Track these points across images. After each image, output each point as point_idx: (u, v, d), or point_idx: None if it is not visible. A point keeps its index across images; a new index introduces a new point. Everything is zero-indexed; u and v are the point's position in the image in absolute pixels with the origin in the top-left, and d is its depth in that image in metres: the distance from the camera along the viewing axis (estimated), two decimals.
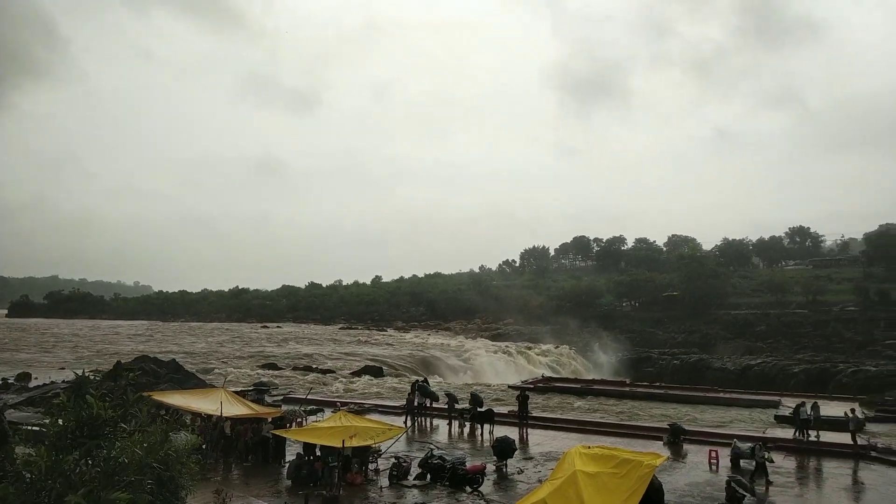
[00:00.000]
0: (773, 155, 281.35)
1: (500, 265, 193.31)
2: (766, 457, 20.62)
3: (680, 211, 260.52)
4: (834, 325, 76.75)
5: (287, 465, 20.55)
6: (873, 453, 24.25)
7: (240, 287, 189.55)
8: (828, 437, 26.25)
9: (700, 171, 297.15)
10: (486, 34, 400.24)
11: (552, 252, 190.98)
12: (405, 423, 28.49)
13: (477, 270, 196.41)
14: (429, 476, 19.79)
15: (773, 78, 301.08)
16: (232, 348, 72.87)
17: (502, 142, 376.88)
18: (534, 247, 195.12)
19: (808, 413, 26.62)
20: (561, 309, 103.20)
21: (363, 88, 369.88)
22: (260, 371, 51.71)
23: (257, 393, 31.98)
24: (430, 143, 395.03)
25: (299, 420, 26.02)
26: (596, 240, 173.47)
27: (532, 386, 43.99)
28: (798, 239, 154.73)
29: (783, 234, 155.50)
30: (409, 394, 31.91)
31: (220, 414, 21.95)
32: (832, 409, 31.43)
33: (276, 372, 51.72)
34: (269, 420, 23.22)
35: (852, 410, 27.13)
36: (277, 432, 21.70)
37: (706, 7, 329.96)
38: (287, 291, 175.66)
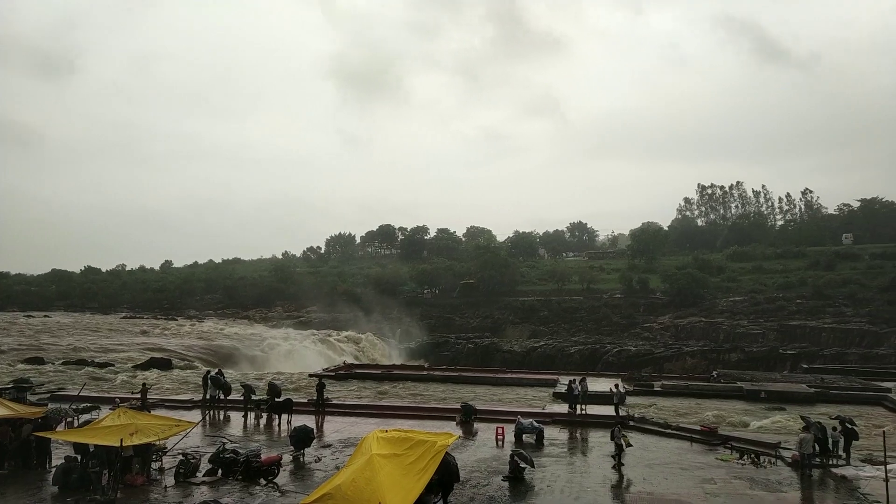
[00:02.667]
0: (546, 157, 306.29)
1: (304, 252, 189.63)
2: (625, 438, 21.50)
3: (477, 205, 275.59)
4: (604, 310, 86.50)
5: (53, 469, 18.38)
6: (631, 423, 27.81)
7: None
8: (596, 410, 29.60)
9: (486, 168, 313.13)
10: (262, 16, 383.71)
11: (358, 240, 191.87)
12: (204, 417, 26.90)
13: (280, 257, 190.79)
14: (220, 471, 18.90)
15: (531, 87, 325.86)
16: None
17: (289, 128, 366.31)
18: (339, 234, 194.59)
19: (578, 389, 29.80)
20: (365, 296, 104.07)
21: (126, 58, 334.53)
22: (22, 366, 45.49)
23: (17, 391, 28.12)
24: (214, 123, 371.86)
25: (69, 420, 23.40)
26: (401, 229, 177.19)
27: (333, 373, 43.90)
28: (577, 233, 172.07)
29: (565, 229, 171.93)
30: (202, 386, 30.18)
31: None
32: (601, 384, 35.46)
33: (42, 367, 45.87)
34: (32, 420, 20.53)
35: (616, 386, 30.81)
36: (40, 434, 19.29)
37: (465, 14, 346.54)
38: (57, 276, 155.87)
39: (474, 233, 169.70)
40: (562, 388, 33.86)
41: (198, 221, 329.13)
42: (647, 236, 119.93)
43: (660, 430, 26.66)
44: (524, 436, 24.34)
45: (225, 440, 22.21)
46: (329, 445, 23.33)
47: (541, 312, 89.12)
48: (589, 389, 30.54)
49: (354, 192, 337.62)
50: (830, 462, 21.32)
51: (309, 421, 26.11)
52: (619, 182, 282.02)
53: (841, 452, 21.82)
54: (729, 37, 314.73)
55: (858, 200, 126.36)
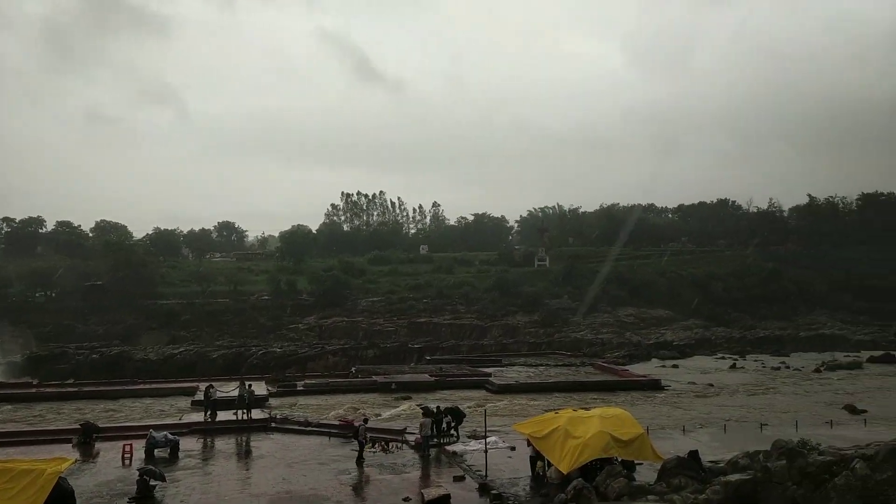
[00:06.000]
0: (180, 150, 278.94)
1: None
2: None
3: (108, 198, 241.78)
4: (251, 312, 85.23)
5: None
6: (273, 424, 27.94)
7: None
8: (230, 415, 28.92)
9: (104, 155, 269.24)
10: None
11: None
12: None
13: None
14: None
15: (138, 71, 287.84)
16: None
17: None
18: None
19: (214, 395, 28.89)
20: None
21: None
22: None
23: None
24: None
25: None
26: (6, 219, 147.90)
27: None
28: (225, 233, 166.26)
29: (213, 228, 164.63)
30: None
31: None
32: (261, 388, 34.73)
33: None
34: None
35: (249, 387, 30.39)
36: None
37: None
38: None
39: (105, 228, 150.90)
40: (201, 396, 32.26)
41: None
42: (296, 239, 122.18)
43: (301, 428, 27.36)
44: (157, 451, 22.58)
45: None
46: None
47: (183, 316, 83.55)
48: (223, 395, 29.74)
49: None
50: (444, 441, 24.57)
51: None
52: (268, 183, 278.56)
53: (453, 432, 25.33)
54: (331, 50, 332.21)
55: (473, 215, 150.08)
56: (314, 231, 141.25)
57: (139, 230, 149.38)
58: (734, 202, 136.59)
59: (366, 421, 24.14)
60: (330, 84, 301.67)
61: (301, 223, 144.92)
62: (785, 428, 26.11)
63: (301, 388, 39.55)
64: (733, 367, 51.17)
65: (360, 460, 21.79)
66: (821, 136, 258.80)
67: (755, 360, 55.04)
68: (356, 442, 22.31)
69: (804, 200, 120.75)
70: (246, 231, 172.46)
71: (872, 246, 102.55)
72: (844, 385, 41.15)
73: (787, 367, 49.98)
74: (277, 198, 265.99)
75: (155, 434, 23.00)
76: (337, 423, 27.79)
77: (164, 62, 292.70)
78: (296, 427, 27.50)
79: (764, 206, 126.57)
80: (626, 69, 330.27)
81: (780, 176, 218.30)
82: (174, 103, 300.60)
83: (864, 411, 30.75)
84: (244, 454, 23.64)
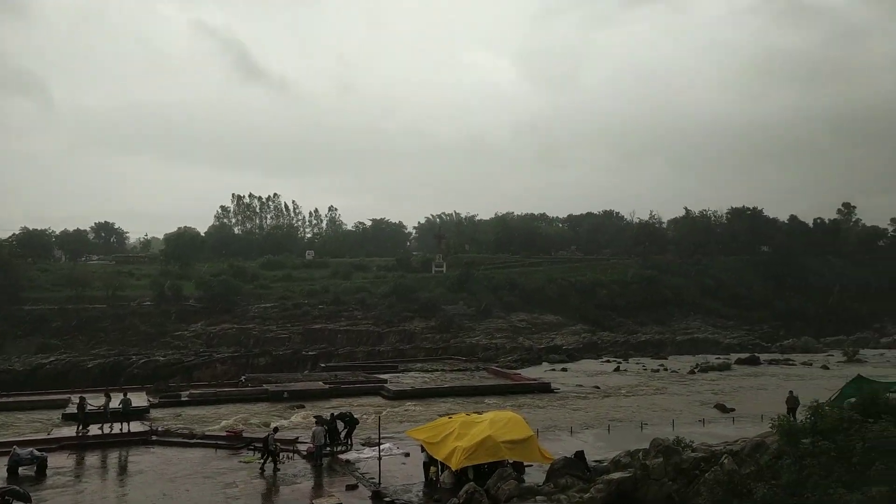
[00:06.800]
0: (45, 144, 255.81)
1: None
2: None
3: None
4: (131, 318, 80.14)
5: None
6: (154, 437, 26.40)
7: None
8: (114, 427, 27.11)
9: None
10: None
11: None
12: None
13: None
14: None
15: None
16: None
17: None
18: None
19: (88, 407, 27.03)
20: None
21: None
22: None
23: None
24: None
25: None
26: None
27: None
28: (104, 234, 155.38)
29: (89, 229, 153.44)
30: None
31: None
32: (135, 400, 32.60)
33: None
34: None
35: (125, 396, 28.54)
36: None
37: None
38: None
39: None
40: (74, 409, 29.98)
41: None
42: (183, 241, 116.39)
43: (184, 441, 26.02)
44: (21, 468, 20.74)
45: None
46: None
47: (53, 323, 77.38)
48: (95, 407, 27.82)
49: None
50: (337, 449, 24.18)
51: None
52: (150, 182, 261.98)
53: (346, 440, 24.99)
54: (209, 44, 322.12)
55: (371, 220, 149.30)
56: (202, 234, 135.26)
57: (3, 230, 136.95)
58: (618, 213, 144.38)
59: (275, 430, 23.48)
60: (209, 79, 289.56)
61: (189, 225, 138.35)
62: (663, 427, 27.74)
63: (186, 399, 37.63)
64: (617, 369, 53.77)
65: (275, 469, 21.26)
66: (693, 153, 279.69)
67: (637, 363, 58.13)
68: (258, 452, 21.82)
69: (682, 213, 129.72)
70: (127, 233, 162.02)
71: (740, 256, 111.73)
72: (715, 385, 44.31)
73: (666, 370, 53.11)
74: (161, 198, 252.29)
75: (19, 450, 21.14)
76: (224, 434, 26.68)
77: (25, 46, 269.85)
78: (179, 440, 26.12)
79: (646, 217, 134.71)
80: (518, 82, 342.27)
81: (658, 189, 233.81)
82: (37, 92, 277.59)
83: (733, 409, 33.22)
84: (121, 470, 22.19)
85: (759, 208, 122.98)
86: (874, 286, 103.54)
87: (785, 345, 73.16)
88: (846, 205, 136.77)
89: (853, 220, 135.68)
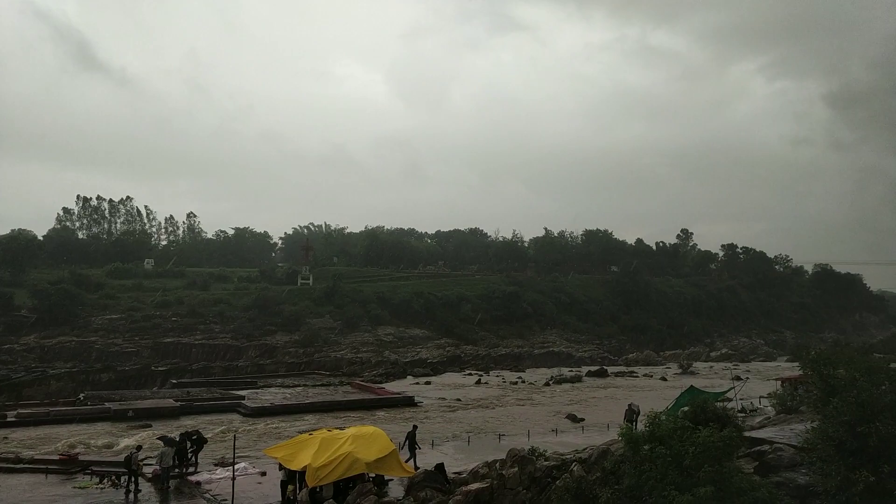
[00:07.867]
0: None
1: None
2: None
3: None
4: None
5: None
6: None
7: None
8: None
9: None
10: None
11: None
12: None
13: None
14: None
15: None
16: None
17: None
18: None
19: None
20: None
21: None
22: None
23: None
24: None
25: None
26: None
27: None
28: None
29: None
30: None
31: None
32: None
33: None
34: None
35: None
36: None
37: None
38: None
39: None
40: None
41: None
42: (15, 245, 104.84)
43: (10, 466, 23.38)
44: None
45: None
46: None
47: None
48: None
49: None
50: (186, 471, 22.79)
51: None
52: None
53: (193, 460, 23.62)
54: (41, 29, 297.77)
55: (234, 229, 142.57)
56: (40, 238, 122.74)
57: None
58: (483, 231, 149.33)
59: (139, 448, 21.70)
60: (39, 68, 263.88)
61: (24, 227, 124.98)
62: (519, 437, 28.81)
63: (13, 420, 33.91)
64: (479, 382, 55.24)
65: (136, 492, 19.75)
66: (551, 176, 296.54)
67: (497, 376, 60.06)
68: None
69: (542, 233, 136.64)
70: None
71: (592, 275, 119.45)
72: (568, 396, 46.76)
73: (524, 382, 55.32)
74: None
75: None
76: (57, 457, 24.28)
77: None
78: (3, 465, 23.41)
79: (509, 236, 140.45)
80: (390, 98, 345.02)
81: (519, 209, 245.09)
82: None
83: (583, 420, 35.20)
84: None
85: (609, 231, 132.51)
86: (706, 304, 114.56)
87: (630, 358, 79.03)
88: (684, 231, 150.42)
89: (690, 244, 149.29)
